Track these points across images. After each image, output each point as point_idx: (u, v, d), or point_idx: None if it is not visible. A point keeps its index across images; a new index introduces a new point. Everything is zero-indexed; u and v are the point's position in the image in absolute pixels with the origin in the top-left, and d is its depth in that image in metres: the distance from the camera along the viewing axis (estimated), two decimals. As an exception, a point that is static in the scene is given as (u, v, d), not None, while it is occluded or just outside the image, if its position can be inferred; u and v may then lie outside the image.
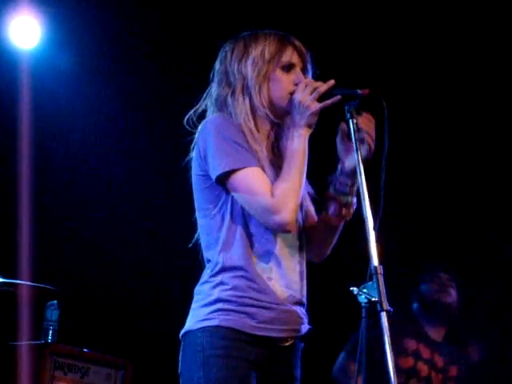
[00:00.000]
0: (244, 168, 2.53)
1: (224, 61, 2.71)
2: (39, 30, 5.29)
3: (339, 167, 2.67)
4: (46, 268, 5.03)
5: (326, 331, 4.77)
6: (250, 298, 2.54)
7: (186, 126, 2.72)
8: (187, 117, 2.72)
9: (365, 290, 2.45)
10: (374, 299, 2.41)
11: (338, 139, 2.66)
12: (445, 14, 5.27)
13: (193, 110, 2.73)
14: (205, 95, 2.75)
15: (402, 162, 4.81)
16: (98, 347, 4.61)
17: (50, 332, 4.37)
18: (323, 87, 2.58)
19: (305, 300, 2.67)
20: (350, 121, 2.57)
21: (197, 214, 2.67)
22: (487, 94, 5.51)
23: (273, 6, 5.12)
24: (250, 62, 2.65)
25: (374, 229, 2.42)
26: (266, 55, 2.65)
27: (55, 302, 4.43)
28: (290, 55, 2.68)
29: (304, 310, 2.67)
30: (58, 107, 5.38)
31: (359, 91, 2.58)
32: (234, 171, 2.53)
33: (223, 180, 2.55)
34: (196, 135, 2.67)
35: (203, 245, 2.66)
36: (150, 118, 5.54)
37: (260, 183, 2.53)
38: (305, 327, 2.65)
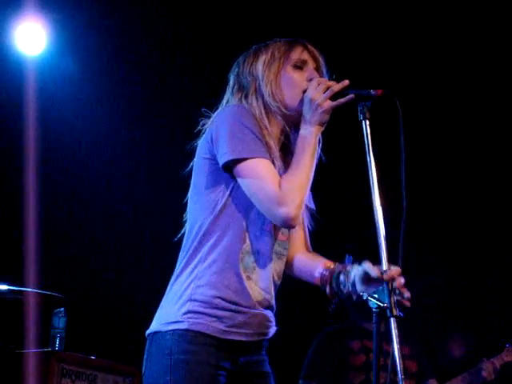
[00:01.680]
0: (256, 157, 2.51)
1: (237, 70, 2.72)
2: (45, 36, 5.30)
3: (350, 283, 2.58)
4: (53, 275, 5.01)
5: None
6: (223, 299, 2.50)
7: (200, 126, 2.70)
8: (200, 126, 2.69)
9: (375, 296, 2.43)
10: (383, 305, 2.39)
11: (358, 279, 2.55)
12: (458, 15, 5.25)
13: (207, 121, 2.70)
14: (220, 107, 2.72)
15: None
16: (106, 354, 4.59)
17: (58, 339, 4.35)
18: (337, 86, 2.56)
19: (275, 305, 2.65)
20: (363, 122, 2.55)
21: (190, 198, 2.64)
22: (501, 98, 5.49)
23: (283, 8, 5.11)
24: (260, 63, 2.66)
25: (401, 231, 2.41)
26: (276, 54, 2.66)
27: (62, 309, 4.41)
28: (299, 53, 2.68)
29: (273, 314, 2.64)
30: (63, 113, 5.38)
31: (373, 92, 2.56)
32: (245, 159, 2.50)
33: (232, 166, 2.52)
34: (210, 119, 2.64)
35: (186, 230, 2.63)
36: (155, 123, 5.53)
37: (269, 175, 2.50)
38: (272, 330, 2.64)
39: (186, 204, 2.67)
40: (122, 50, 5.43)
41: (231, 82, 2.73)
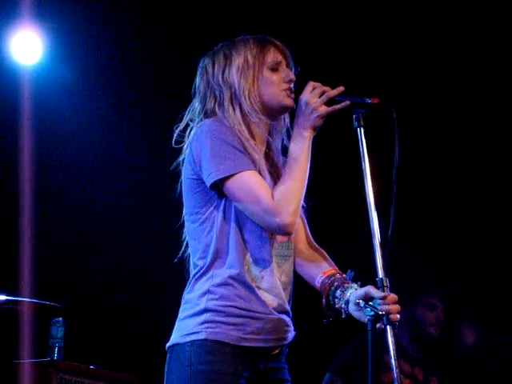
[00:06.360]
0: (242, 172, 2.49)
1: (205, 75, 2.68)
2: (41, 45, 5.29)
3: (350, 306, 2.57)
4: (50, 285, 5.00)
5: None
6: (238, 308, 2.50)
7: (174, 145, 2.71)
8: (174, 137, 2.71)
9: (371, 303, 2.42)
10: (380, 313, 2.38)
11: (354, 299, 2.54)
12: (453, 19, 5.24)
13: (176, 130, 2.71)
14: (187, 112, 2.72)
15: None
16: (105, 364, 4.58)
17: (56, 349, 4.34)
18: (333, 92, 2.55)
19: (290, 309, 2.64)
20: (358, 129, 2.54)
21: (185, 218, 2.64)
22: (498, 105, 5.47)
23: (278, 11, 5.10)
24: (234, 70, 2.62)
25: (385, 243, 2.40)
26: (250, 60, 2.62)
27: (60, 319, 4.41)
28: (273, 54, 2.65)
29: (289, 318, 2.63)
30: (59, 122, 5.38)
31: (369, 100, 2.55)
32: (231, 176, 2.49)
33: (220, 185, 2.51)
34: (189, 138, 2.64)
35: (190, 250, 2.64)
36: (150, 131, 5.52)
37: (259, 186, 2.49)
38: (291, 335, 2.62)
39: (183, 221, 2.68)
40: (118, 59, 5.43)
41: (200, 88, 2.69)
